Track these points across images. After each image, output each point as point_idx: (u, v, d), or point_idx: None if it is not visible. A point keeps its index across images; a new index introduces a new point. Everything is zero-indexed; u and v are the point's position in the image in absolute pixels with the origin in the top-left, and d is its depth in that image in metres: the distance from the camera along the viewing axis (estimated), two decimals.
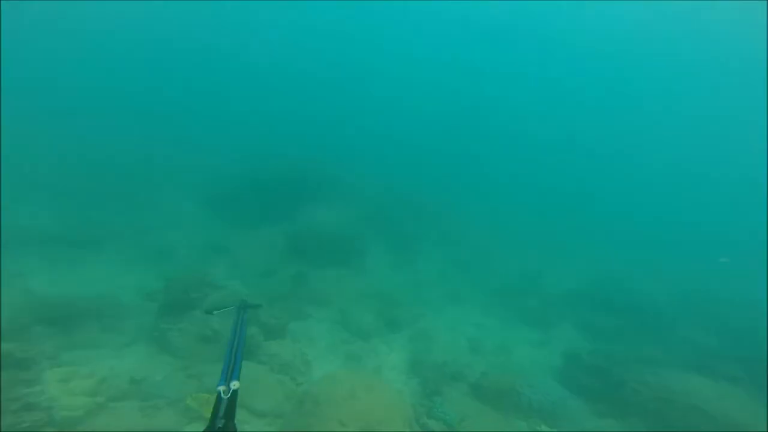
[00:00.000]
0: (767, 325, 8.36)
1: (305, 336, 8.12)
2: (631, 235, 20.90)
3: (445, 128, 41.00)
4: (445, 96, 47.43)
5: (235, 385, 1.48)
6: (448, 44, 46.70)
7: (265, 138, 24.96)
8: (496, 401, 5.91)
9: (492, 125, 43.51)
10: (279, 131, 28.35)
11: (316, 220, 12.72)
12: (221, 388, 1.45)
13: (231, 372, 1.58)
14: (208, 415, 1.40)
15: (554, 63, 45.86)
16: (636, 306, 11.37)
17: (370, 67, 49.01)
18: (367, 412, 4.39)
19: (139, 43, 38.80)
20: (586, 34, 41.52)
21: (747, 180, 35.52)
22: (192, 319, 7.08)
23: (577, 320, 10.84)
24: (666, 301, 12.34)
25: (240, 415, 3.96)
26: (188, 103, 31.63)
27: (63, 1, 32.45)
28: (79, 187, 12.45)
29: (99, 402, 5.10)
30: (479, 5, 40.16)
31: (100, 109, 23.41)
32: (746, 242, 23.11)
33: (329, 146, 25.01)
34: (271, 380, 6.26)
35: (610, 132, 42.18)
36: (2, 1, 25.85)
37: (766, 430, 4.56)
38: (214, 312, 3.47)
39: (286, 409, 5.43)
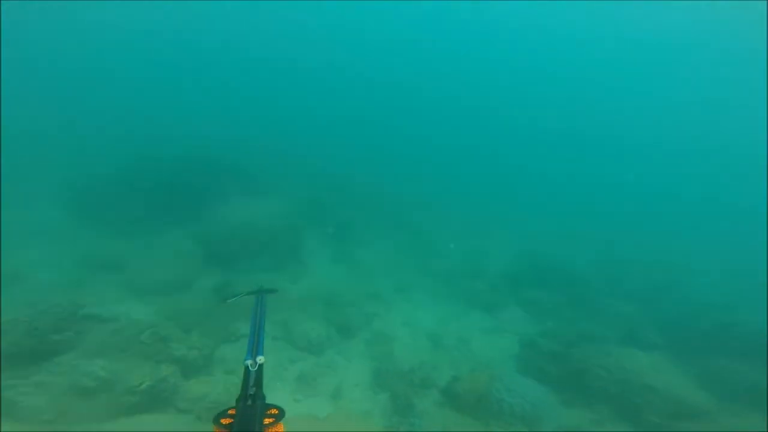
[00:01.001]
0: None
1: (240, 363, 6.74)
2: (556, 208, 23.19)
3: (375, 106, 40.12)
4: (376, 73, 46.38)
5: (260, 359, 1.72)
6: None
7: (163, 120, 20.78)
8: (475, 410, 5.59)
9: (426, 102, 44.04)
10: (183, 111, 23.99)
11: (235, 217, 10.72)
12: (249, 362, 1.68)
13: (256, 348, 1.81)
14: None
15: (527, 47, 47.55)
16: (565, 278, 12.47)
17: (296, 40, 44.97)
18: None
19: None
20: (582, 32, 43.68)
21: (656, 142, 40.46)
22: (57, 368, 5.17)
23: (519, 299, 11.38)
24: (589, 271, 13.87)
25: None
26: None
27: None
28: None
29: None
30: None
31: None
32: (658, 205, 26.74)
33: (245, 129, 22.11)
34: None
35: (546, 111, 45.40)
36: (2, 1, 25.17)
37: (766, 430, 5.06)
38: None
39: None
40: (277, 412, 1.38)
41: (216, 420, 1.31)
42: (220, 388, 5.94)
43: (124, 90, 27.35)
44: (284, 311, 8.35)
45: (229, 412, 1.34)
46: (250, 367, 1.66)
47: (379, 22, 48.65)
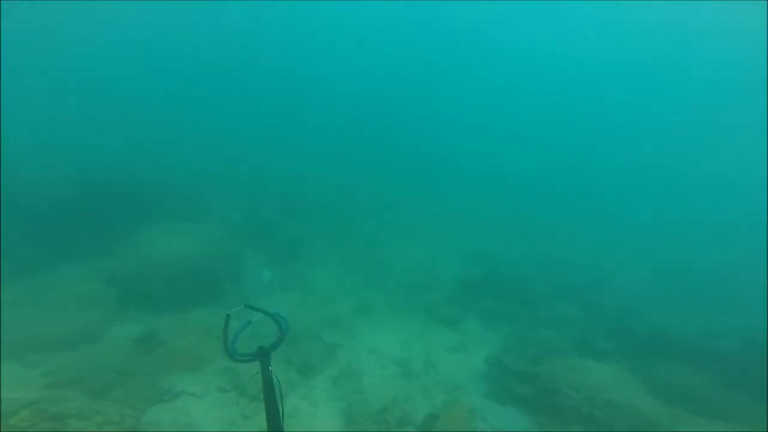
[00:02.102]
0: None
1: (180, 426, 5.67)
2: (499, 208, 24.57)
3: (312, 112, 38.87)
4: (313, 75, 45.09)
5: None
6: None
7: (63, 133, 17.22)
8: None
9: (366, 105, 43.79)
10: (88, 122, 20.26)
11: (158, 247, 9.14)
12: None
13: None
14: None
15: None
16: (512, 283, 13.14)
17: (227, 43, 41.56)
18: None
19: None
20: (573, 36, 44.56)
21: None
22: None
23: (476, 309, 11.66)
24: (532, 272, 14.87)
25: None
26: None
27: None
28: None
29: None
30: None
31: None
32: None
33: (164, 143, 19.46)
34: None
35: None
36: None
37: (766, 429, 5.48)
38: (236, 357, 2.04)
39: None
40: None
41: None
42: None
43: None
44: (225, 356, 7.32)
45: None
46: None
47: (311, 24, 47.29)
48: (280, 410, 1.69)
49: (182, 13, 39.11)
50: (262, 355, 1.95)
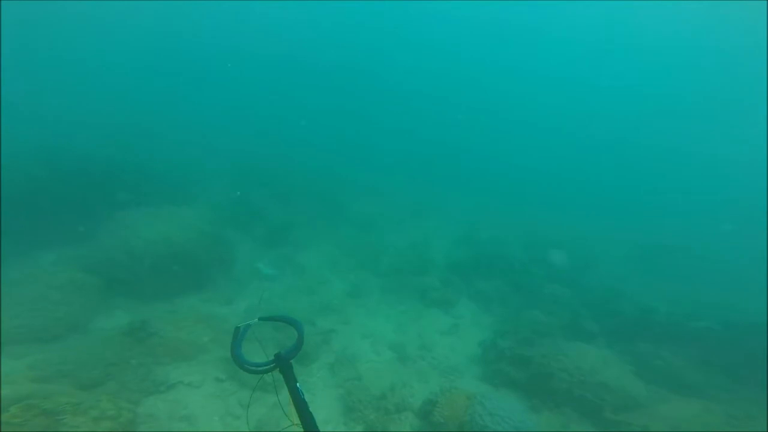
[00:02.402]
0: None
1: (179, 419, 5.62)
2: (490, 190, 24.72)
3: (300, 88, 37.54)
4: (298, 57, 43.31)
5: None
6: None
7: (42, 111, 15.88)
8: None
9: (356, 83, 42.56)
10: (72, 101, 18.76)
11: (142, 231, 8.71)
12: None
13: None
14: None
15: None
16: (504, 264, 13.39)
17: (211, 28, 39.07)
18: None
19: None
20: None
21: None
22: None
23: (468, 291, 11.90)
24: (523, 253, 15.17)
25: None
26: None
27: None
28: None
29: None
30: None
31: None
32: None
33: (150, 123, 18.33)
34: None
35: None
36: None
37: (766, 429, 5.77)
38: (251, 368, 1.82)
39: None
40: None
41: None
42: None
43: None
44: (223, 342, 7.24)
45: None
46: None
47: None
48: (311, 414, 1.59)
49: None
50: (282, 362, 1.78)
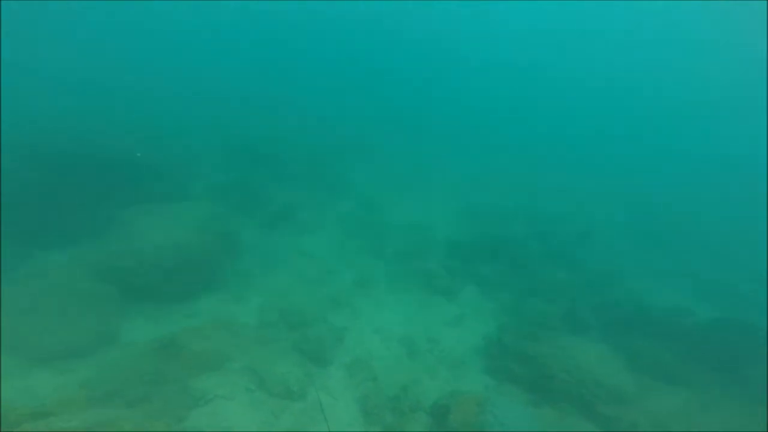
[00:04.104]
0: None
1: (211, 427, 6.45)
2: (492, 157, 24.61)
3: (293, 57, 34.64)
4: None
5: None
6: None
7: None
8: None
9: (354, 48, 39.58)
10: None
11: (147, 237, 8.91)
12: None
13: None
14: None
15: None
16: (503, 246, 14.05)
17: None
18: None
19: None
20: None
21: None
22: None
23: (471, 276, 12.60)
24: (522, 232, 15.83)
25: None
26: None
27: None
28: None
29: None
30: None
31: None
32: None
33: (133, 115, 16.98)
34: None
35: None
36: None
37: (766, 429, 6.53)
38: None
39: None
40: None
41: None
42: None
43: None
44: (245, 349, 7.94)
45: None
46: None
47: None
48: None
49: None
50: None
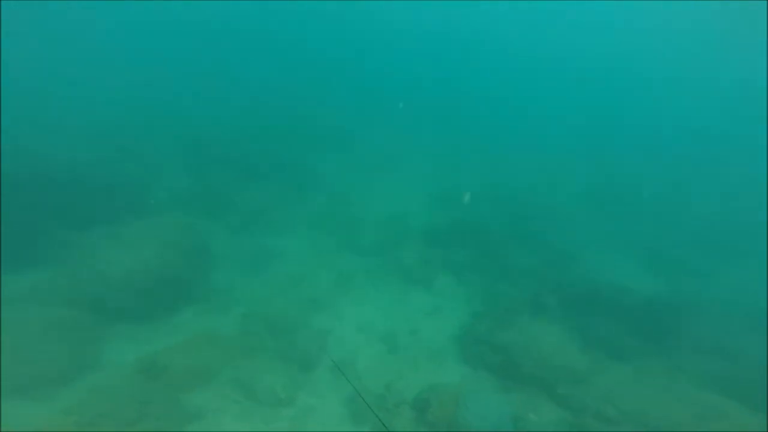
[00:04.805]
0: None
1: None
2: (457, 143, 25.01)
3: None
4: None
5: None
6: None
7: None
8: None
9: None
10: None
11: (114, 261, 8.74)
12: None
13: None
14: None
15: None
16: (473, 231, 14.77)
17: None
18: None
19: None
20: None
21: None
22: None
23: (444, 263, 13.26)
24: (491, 217, 16.64)
25: None
26: None
27: None
28: None
29: None
30: None
31: None
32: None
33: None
34: None
35: None
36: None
37: (766, 430, 7.26)
38: None
39: None
40: None
41: None
42: None
43: None
44: (229, 360, 8.21)
45: None
46: None
47: None
48: None
49: None
50: None
